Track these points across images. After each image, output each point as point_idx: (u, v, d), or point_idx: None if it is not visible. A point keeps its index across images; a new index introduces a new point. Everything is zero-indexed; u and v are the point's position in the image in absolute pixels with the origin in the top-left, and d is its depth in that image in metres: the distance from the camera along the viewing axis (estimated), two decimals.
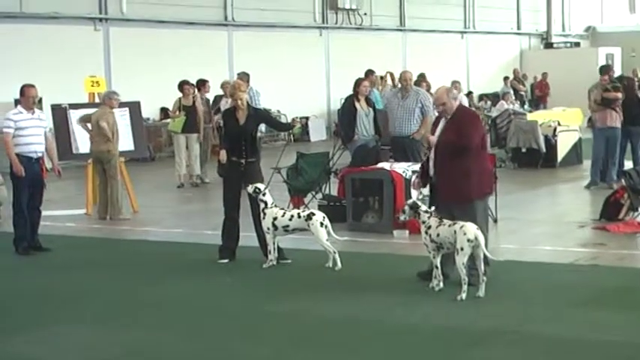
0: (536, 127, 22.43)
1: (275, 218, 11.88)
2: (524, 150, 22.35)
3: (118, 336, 9.18)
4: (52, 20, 26.09)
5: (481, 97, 37.76)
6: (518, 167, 22.18)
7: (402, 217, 10.80)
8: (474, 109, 29.66)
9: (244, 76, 20.47)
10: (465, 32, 41.52)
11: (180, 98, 20.54)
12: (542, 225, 14.80)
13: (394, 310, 9.76)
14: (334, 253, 11.70)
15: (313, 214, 11.86)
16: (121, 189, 16.26)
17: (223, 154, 12.40)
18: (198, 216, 16.37)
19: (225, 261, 12.23)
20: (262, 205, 11.96)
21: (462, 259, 9.96)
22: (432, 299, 10.08)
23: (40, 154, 13.23)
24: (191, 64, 27.12)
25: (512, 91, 32.91)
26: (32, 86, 13.40)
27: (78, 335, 9.24)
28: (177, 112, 20.43)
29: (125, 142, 17.13)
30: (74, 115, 17.11)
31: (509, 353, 8.33)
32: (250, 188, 11.98)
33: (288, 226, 11.86)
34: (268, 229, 11.89)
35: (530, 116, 25.72)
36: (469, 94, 34.85)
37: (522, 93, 36.77)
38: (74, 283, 11.41)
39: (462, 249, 9.97)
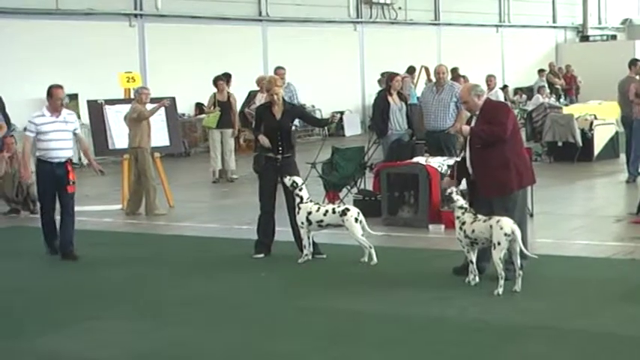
0: (573, 120, 22.29)
1: (309, 213, 11.88)
2: (560, 144, 22.23)
3: (154, 331, 9.22)
4: (88, 17, 26.23)
5: (516, 91, 37.57)
6: (554, 161, 22.07)
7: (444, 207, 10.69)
8: (509, 102, 29.56)
9: (281, 70, 20.45)
10: (500, 26, 41.33)
11: (215, 94, 20.60)
12: (579, 219, 14.72)
13: (429, 305, 9.74)
14: (370, 248, 11.69)
15: (348, 210, 11.85)
16: (155, 184, 16.31)
17: (264, 139, 12.30)
18: (234, 211, 16.41)
19: (261, 256, 12.25)
20: (297, 200, 11.97)
21: (498, 254, 9.89)
22: (467, 294, 10.05)
23: (63, 159, 12.70)
24: (226, 59, 27.17)
25: (546, 85, 32.70)
26: (60, 87, 12.79)
27: (114, 330, 9.28)
28: (212, 108, 20.48)
29: (160, 137, 17.21)
30: (110, 111, 17.21)
31: (545, 348, 8.28)
32: (288, 181, 11.98)
33: (322, 221, 11.86)
34: (302, 223, 11.89)
35: (566, 110, 25.56)
36: (504, 87, 34.67)
37: (558, 86, 36.52)
38: (110, 279, 11.47)
39: (498, 243, 9.90)
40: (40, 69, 24.26)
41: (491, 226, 10.02)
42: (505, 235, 9.88)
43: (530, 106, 26.71)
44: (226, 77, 21.31)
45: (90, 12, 26.25)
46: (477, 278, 10.32)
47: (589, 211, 15.60)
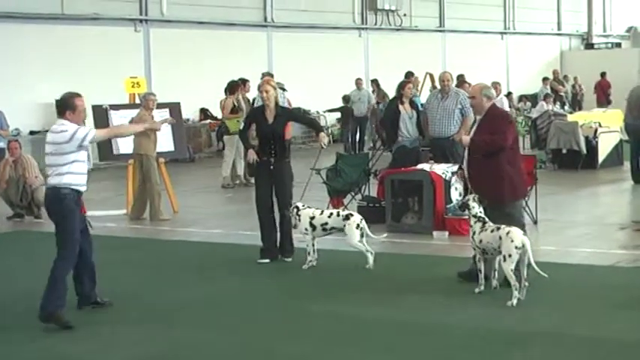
0: (577, 128, 22.29)
1: (312, 217, 11.89)
2: (564, 151, 22.23)
3: (161, 334, 9.25)
4: (93, 21, 26.27)
5: (521, 98, 37.56)
6: (559, 168, 22.07)
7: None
8: (513, 110, 29.56)
9: (267, 77, 20.39)
10: (505, 33, 41.36)
11: (232, 99, 20.40)
12: (583, 227, 14.71)
13: (433, 311, 9.74)
14: (368, 252, 11.71)
15: (352, 215, 11.87)
16: (160, 190, 16.32)
17: (252, 154, 12.39)
18: (239, 216, 16.41)
19: (266, 261, 12.26)
20: (295, 211, 11.99)
21: (509, 266, 9.80)
22: (471, 301, 10.05)
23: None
24: (231, 65, 27.18)
25: (550, 92, 32.70)
26: (80, 96, 10.05)
27: (121, 334, 9.31)
28: (233, 113, 20.28)
29: (165, 142, 17.22)
30: (115, 116, 17.22)
31: (549, 355, 8.29)
32: (287, 212, 12.04)
33: (326, 223, 11.87)
34: (306, 229, 11.90)
35: (570, 117, 25.56)
36: (509, 94, 34.66)
37: (562, 94, 36.52)
38: (115, 283, 11.47)
39: (509, 256, 9.81)
40: (45, 73, 24.33)
41: (500, 237, 9.96)
42: (516, 247, 9.82)
43: (534, 114, 26.70)
44: (243, 82, 21.27)
45: (96, 17, 26.29)
46: (482, 286, 10.31)
47: (593, 218, 15.59)
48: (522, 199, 11.33)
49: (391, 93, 17.42)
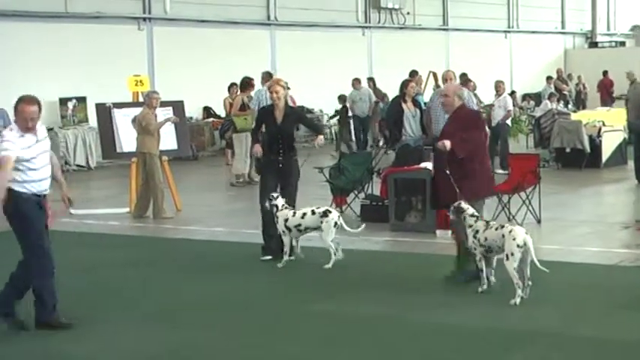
0: (581, 127, 22.27)
1: (286, 220, 11.90)
2: (568, 150, 22.20)
3: (164, 333, 9.24)
4: (97, 20, 26.28)
5: (524, 97, 37.54)
6: (562, 167, 22.04)
7: (451, 216, 10.60)
8: (517, 108, 29.52)
9: (267, 76, 20.42)
10: (509, 31, 41.33)
11: (242, 97, 20.41)
12: (586, 226, 14.68)
13: (435, 311, 9.73)
14: (335, 254, 11.73)
15: (330, 212, 11.86)
16: (163, 188, 16.30)
17: (258, 148, 12.41)
18: (242, 214, 16.40)
19: (268, 258, 12.26)
20: (274, 210, 11.99)
21: (512, 265, 9.76)
22: (473, 300, 10.03)
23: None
24: (234, 63, 27.19)
25: (554, 91, 32.66)
26: (31, 101, 9.05)
27: (124, 333, 9.30)
28: (241, 110, 20.29)
29: (168, 141, 17.23)
30: (118, 114, 17.23)
31: (552, 355, 8.28)
32: (267, 203, 12.01)
33: (299, 225, 11.86)
34: (283, 231, 11.93)
35: (574, 116, 25.55)
36: (512, 93, 34.62)
37: (566, 93, 36.48)
38: (118, 282, 11.48)
39: (512, 254, 9.78)
40: (48, 72, 24.33)
41: (503, 236, 9.95)
42: (518, 246, 9.80)
43: (538, 112, 26.69)
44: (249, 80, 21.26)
45: (99, 15, 26.29)
46: (485, 286, 10.29)
47: (596, 217, 15.56)
48: (488, 197, 11.36)
49: (394, 92, 17.38)
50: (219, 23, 29.47)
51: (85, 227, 15.46)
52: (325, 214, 11.80)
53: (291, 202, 12.19)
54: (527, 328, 9.04)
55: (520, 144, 26.17)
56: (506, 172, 17.16)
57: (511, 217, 14.43)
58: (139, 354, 8.67)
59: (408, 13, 36.07)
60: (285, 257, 11.96)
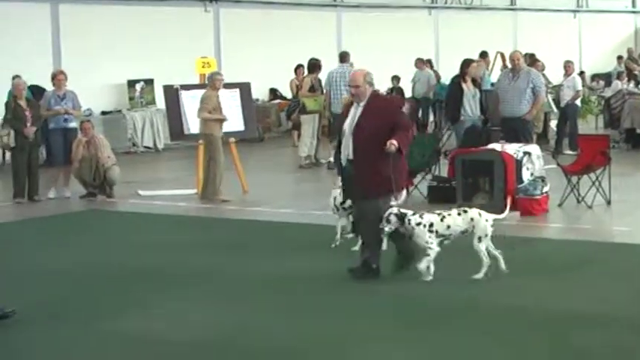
0: None
1: (335, 198, 11.89)
2: (638, 131, 21.92)
3: (237, 313, 9.30)
4: (163, 2, 26.38)
5: (593, 77, 37.05)
6: (632, 149, 21.76)
7: (387, 228, 10.09)
8: (586, 89, 29.16)
9: (345, 55, 20.47)
10: (578, 11, 40.78)
11: (311, 78, 20.50)
12: None
13: (502, 292, 9.65)
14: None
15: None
16: (223, 171, 16.31)
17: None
18: (309, 196, 16.41)
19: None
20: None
21: (485, 244, 10.10)
22: (544, 281, 9.93)
23: None
24: (300, 45, 27.18)
25: (624, 70, 32.22)
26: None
27: (197, 312, 9.36)
28: (311, 92, 20.42)
29: (235, 122, 17.28)
30: (185, 96, 17.30)
31: (625, 338, 8.19)
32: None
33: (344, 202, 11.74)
34: (332, 210, 11.97)
35: None
36: (581, 73, 34.21)
37: (637, 72, 35.92)
38: (186, 263, 11.55)
39: (485, 235, 10.10)
40: (116, 54, 24.49)
41: (472, 219, 10.12)
42: (491, 226, 10.12)
43: (608, 93, 26.33)
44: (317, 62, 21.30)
45: None
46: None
47: None
48: (399, 192, 11.06)
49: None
50: (286, 5, 29.46)
51: (153, 208, 15.58)
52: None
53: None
54: (598, 311, 8.94)
55: (590, 125, 25.86)
56: (576, 152, 16.98)
57: (580, 199, 14.30)
58: (212, 332, 8.70)
59: None
60: (337, 236, 11.90)
